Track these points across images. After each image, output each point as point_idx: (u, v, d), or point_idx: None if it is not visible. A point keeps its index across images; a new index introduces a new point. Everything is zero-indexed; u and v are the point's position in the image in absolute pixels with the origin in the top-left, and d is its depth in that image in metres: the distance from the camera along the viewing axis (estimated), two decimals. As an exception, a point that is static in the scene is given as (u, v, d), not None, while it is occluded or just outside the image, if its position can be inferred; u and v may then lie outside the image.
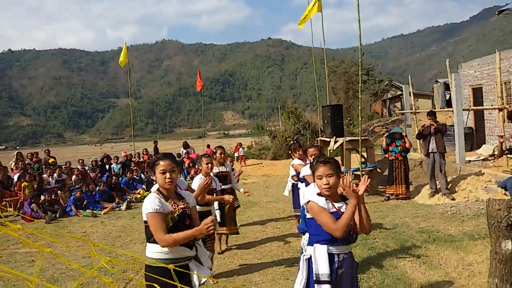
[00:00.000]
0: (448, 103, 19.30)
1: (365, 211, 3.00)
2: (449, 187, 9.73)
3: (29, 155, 14.83)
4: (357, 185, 2.96)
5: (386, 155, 10.34)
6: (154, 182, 4.89)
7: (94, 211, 10.84)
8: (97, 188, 11.96)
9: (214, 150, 6.92)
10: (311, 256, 2.97)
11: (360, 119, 10.04)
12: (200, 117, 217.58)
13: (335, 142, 10.93)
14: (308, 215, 3.03)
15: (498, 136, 8.16)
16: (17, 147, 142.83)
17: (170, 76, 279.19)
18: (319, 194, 3.03)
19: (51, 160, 15.04)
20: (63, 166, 13.75)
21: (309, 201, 3.00)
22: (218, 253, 6.56)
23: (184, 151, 18.57)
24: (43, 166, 13.69)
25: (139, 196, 12.79)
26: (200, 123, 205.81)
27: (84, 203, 11.05)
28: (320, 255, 2.94)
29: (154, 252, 3.07)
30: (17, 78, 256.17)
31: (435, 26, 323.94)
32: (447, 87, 20.56)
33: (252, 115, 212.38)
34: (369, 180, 3.06)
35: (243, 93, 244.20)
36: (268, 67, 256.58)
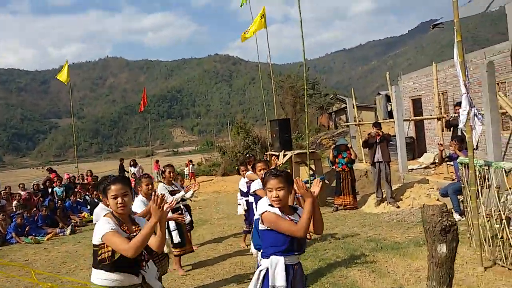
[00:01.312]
0: (390, 114, 20.09)
1: (319, 212, 3.05)
2: (394, 195, 10.05)
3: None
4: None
5: (333, 167, 10.56)
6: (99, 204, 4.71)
7: (37, 237, 10.30)
8: (40, 213, 11.37)
9: (163, 169, 6.77)
10: (267, 269, 2.94)
11: (307, 132, 10.20)
12: (147, 135, 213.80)
13: (284, 155, 11.03)
14: (262, 227, 2.99)
15: (438, 144, 8.55)
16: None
17: (114, 94, 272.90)
18: (271, 205, 3.02)
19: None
20: (2, 192, 12.98)
21: (265, 211, 2.97)
22: (182, 274, 6.42)
23: (133, 169, 18.10)
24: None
25: (84, 220, 12.31)
26: (147, 141, 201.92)
27: (26, 229, 10.47)
28: (278, 266, 2.93)
29: (101, 279, 2.91)
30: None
31: (376, 40, 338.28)
32: (388, 99, 21.42)
33: (202, 131, 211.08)
34: (321, 183, 3.11)
35: (192, 109, 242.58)
36: (216, 83, 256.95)
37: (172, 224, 6.31)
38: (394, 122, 11.87)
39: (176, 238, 6.27)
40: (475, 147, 8.96)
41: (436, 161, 11.27)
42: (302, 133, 30.49)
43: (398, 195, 10.21)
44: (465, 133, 5.38)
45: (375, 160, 9.83)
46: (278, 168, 4.80)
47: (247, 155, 8.47)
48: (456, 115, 9.25)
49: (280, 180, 2.98)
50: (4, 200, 12.32)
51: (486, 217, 5.70)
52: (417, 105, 14.84)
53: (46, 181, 15.06)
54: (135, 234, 2.93)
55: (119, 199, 2.95)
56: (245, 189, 7.56)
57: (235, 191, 16.77)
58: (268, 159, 11.86)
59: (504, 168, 5.11)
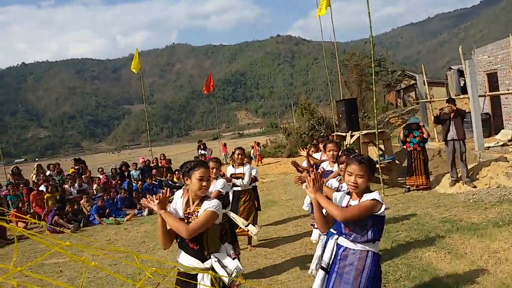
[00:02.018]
0: (463, 90, 19.08)
1: (319, 211, 3.04)
2: (469, 175, 9.64)
3: (51, 166, 15.09)
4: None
5: (404, 146, 10.29)
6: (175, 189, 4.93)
7: (117, 219, 11.01)
8: (119, 195, 12.13)
9: (233, 151, 6.96)
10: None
11: (375, 111, 9.99)
12: (214, 118, 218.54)
13: (351, 136, 10.90)
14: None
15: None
16: (36, 159, 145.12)
17: (182, 79, 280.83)
18: (337, 190, 3.09)
19: (71, 171, 15.28)
20: (83, 176, 13.96)
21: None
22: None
23: (202, 152, 18.69)
24: (64, 177, 13.92)
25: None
26: (214, 125, 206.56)
27: (107, 211, 11.23)
28: (329, 243, 3.13)
29: (178, 258, 3.24)
30: (32, 91, 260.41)
31: (445, 13, 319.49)
32: (461, 73, 20.32)
33: (266, 113, 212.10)
34: (318, 175, 3.05)
35: (255, 92, 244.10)
36: (279, 64, 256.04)
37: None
38: (468, 98, 11.29)
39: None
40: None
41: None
42: (369, 112, 29.80)
43: (474, 174, 9.77)
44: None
45: (449, 138, 9.45)
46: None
47: (323, 135, 8.37)
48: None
49: (363, 168, 2.98)
50: (86, 184, 13.25)
51: None
52: (492, 79, 13.96)
53: (123, 165, 15.97)
54: (192, 216, 3.16)
55: (204, 182, 3.16)
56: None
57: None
58: (336, 139, 11.79)
59: None
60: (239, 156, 6.79)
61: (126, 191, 12.31)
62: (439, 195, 9.28)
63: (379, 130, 10.22)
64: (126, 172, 15.49)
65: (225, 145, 25.72)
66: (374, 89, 9.45)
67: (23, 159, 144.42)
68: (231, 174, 6.75)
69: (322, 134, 12.66)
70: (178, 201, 3.36)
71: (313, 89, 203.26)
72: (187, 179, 3.23)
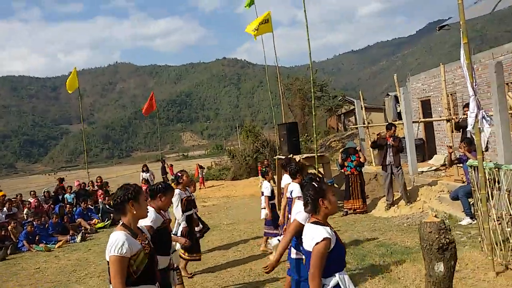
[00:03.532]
0: (399, 115, 19.93)
1: None
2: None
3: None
4: None
5: (342, 170, 10.50)
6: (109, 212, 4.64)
7: (48, 245, 10.39)
8: (50, 220, 11.45)
9: (180, 174, 6.73)
10: (338, 284, 2.92)
11: (315, 135, 10.17)
12: (157, 139, 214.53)
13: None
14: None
15: (447, 146, 8.47)
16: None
17: (124, 99, 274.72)
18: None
19: (0, 194, 14.29)
20: (13, 199, 13.09)
21: (323, 239, 2.87)
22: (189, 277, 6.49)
23: (144, 175, 18.13)
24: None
25: (95, 227, 12.39)
26: (157, 146, 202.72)
27: (37, 237, 10.55)
28: (347, 282, 2.96)
29: None
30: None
31: (384, 41, 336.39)
32: (397, 100, 21.26)
33: (211, 135, 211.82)
34: None
35: (201, 113, 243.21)
36: (225, 86, 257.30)
37: (179, 230, 6.32)
38: (403, 123, 11.77)
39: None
40: (484, 149, 8.88)
41: (446, 163, 11.14)
42: (311, 136, 30.41)
43: (409, 198, 10.12)
44: (473, 136, 5.30)
45: (387, 163, 9.76)
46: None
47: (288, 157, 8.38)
48: (465, 116, 9.12)
49: None
50: (16, 208, 12.42)
51: (497, 221, 5.62)
52: (426, 106, 14.71)
53: (58, 188, 15.19)
54: (147, 242, 2.98)
55: None
56: (268, 193, 7.51)
57: (245, 196, 16.81)
58: (276, 163, 11.86)
59: (514, 171, 5.04)
60: (188, 178, 6.67)
61: (58, 216, 11.64)
62: (375, 218, 9.51)
63: (319, 154, 10.38)
64: (61, 196, 14.75)
65: (171, 166, 25.10)
66: (314, 113, 9.62)
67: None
68: (187, 197, 6.55)
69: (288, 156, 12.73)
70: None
71: (259, 112, 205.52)
72: (135, 203, 2.97)
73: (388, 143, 9.73)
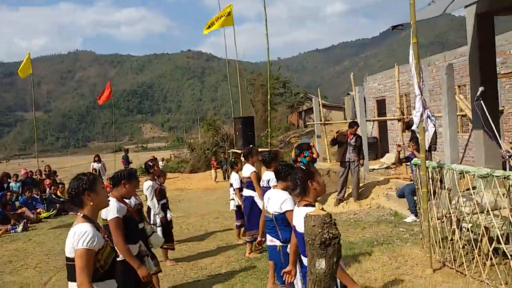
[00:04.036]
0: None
1: None
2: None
3: None
4: None
5: (295, 166, 10.49)
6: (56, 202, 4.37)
7: (-15, 235, 9.86)
8: (-10, 209, 10.90)
9: (151, 164, 6.51)
10: None
11: (269, 130, 10.12)
12: (116, 130, 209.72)
13: (246, 153, 10.89)
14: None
15: (396, 145, 8.61)
16: None
17: (83, 88, 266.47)
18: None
19: None
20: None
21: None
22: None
23: (95, 165, 17.60)
24: None
25: (39, 216, 11.90)
26: (116, 137, 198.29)
27: (-26, 226, 10.01)
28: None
29: None
30: None
31: (348, 42, 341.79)
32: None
33: (172, 127, 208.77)
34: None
35: (163, 105, 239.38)
36: (188, 79, 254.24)
37: (158, 221, 6.37)
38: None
39: (160, 236, 6.04)
40: (433, 148, 9.09)
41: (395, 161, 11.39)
42: (273, 131, 30.54)
43: (359, 195, 10.27)
44: (418, 135, 5.37)
45: (346, 160, 9.82)
46: None
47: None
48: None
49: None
50: (-46, 196, 11.74)
51: (438, 219, 5.73)
52: (381, 106, 15.01)
53: (3, 176, 14.51)
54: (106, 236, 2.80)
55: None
56: (238, 185, 7.35)
57: (198, 189, 16.64)
58: (232, 157, 11.75)
59: (455, 170, 5.13)
60: (158, 168, 6.58)
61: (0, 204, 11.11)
62: (326, 214, 9.57)
63: (273, 149, 10.34)
64: (6, 184, 14.10)
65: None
66: (269, 109, 9.60)
67: None
68: (159, 187, 6.48)
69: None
70: None
71: (222, 106, 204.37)
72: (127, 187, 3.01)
73: (349, 140, 9.79)
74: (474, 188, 5.09)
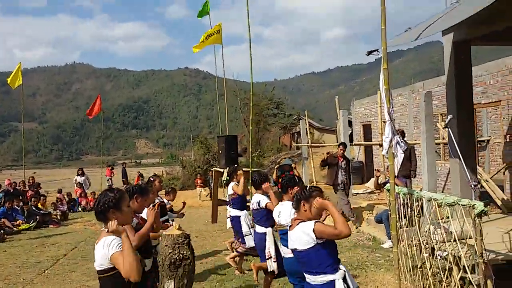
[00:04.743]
0: (351, 138, 20.39)
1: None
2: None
3: None
4: None
5: (277, 187, 10.47)
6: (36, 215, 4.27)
7: (-39, 244, 9.71)
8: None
9: (153, 179, 6.32)
10: (345, 276, 3.17)
11: (250, 150, 10.13)
12: (111, 144, 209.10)
13: (228, 172, 10.87)
14: (316, 241, 3.12)
15: (375, 170, 8.62)
16: None
17: (79, 100, 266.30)
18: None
19: None
20: None
21: (316, 222, 3.15)
22: None
23: (79, 179, 17.50)
24: None
25: (18, 228, 11.76)
26: (109, 151, 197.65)
27: (-51, 235, 9.86)
28: (347, 273, 3.23)
29: None
30: None
31: (344, 66, 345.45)
32: (349, 123, 21.75)
33: (167, 144, 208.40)
34: None
35: (158, 121, 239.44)
36: (185, 96, 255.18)
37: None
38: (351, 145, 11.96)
39: None
40: (412, 175, 9.12)
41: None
42: (264, 151, 30.60)
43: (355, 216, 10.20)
44: (387, 160, 5.39)
45: (339, 182, 9.70)
46: None
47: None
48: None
49: None
50: None
51: (409, 245, 5.72)
52: (367, 130, 15.10)
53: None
54: None
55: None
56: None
57: (188, 207, 16.50)
58: (213, 174, 11.73)
59: (423, 197, 5.14)
60: (160, 184, 6.20)
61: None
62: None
63: (255, 169, 10.35)
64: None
65: (111, 168, 24.20)
66: (251, 128, 9.64)
67: None
68: (160, 203, 6.22)
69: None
70: None
71: (217, 124, 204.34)
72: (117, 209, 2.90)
73: (339, 163, 9.73)
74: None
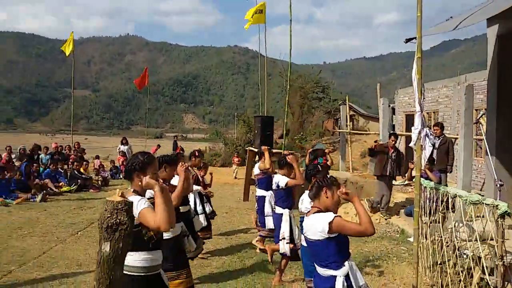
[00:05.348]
0: (393, 127, 19.91)
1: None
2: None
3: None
4: None
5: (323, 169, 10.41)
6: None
7: (6, 200, 10.39)
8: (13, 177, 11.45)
9: (195, 154, 6.69)
10: (348, 273, 3.09)
11: (284, 132, 10.12)
12: (159, 117, 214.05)
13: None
14: (329, 235, 3.06)
15: (409, 162, 8.43)
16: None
17: (131, 71, 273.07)
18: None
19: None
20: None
21: (336, 216, 3.07)
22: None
23: (122, 148, 18.10)
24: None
25: (60, 189, 12.40)
26: (158, 123, 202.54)
27: (-3, 191, 10.56)
28: (354, 268, 3.16)
29: (140, 260, 2.91)
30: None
31: (398, 52, 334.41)
32: (394, 111, 21.22)
33: (213, 120, 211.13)
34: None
35: (205, 97, 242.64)
36: (233, 74, 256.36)
37: (199, 208, 6.41)
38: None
39: (204, 222, 6.35)
40: (448, 170, 8.83)
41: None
42: (307, 135, 30.40)
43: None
44: (415, 152, 5.25)
45: (387, 174, 9.29)
46: None
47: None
48: (434, 134, 9.09)
49: None
50: (-15, 161, 12.40)
51: (432, 241, 5.60)
52: (410, 120, 14.66)
53: (34, 148, 15.16)
54: None
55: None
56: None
57: (217, 183, 16.76)
58: (248, 154, 11.83)
59: (449, 193, 5.00)
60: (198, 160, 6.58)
61: (21, 173, 11.63)
62: (332, 223, 9.47)
63: (289, 152, 10.34)
64: (36, 155, 14.75)
65: (158, 147, 24.65)
66: (286, 109, 9.54)
67: None
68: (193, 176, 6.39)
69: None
70: None
71: (263, 104, 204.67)
72: (141, 174, 2.99)
73: (389, 154, 9.42)
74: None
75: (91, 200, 11.50)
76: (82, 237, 7.62)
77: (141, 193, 2.94)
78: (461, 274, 4.71)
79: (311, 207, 3.34)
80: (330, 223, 3.02)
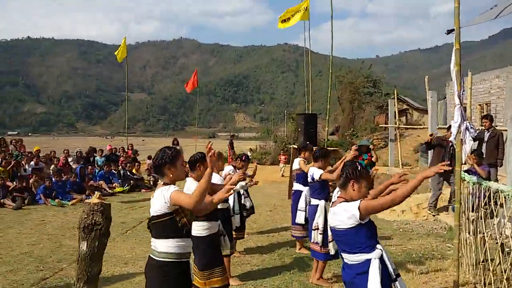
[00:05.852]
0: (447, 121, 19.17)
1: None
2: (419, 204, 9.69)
3: (13, 141, 14.98)
4: None
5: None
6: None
7: (62, 201, 11.01)
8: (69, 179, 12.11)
9: (242, 158, 6.82)
10: (381, 255, 3.07)
11: (327, 128, 10.04)
12: (212, 117, 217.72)
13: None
14: (360, 221, 3.06)
15: (429, 134, 8.25)
16: (29, 134, 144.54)
17: (184, 74, 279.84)
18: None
19: (36, 148, 15.20)
20: (40, 155, 13.88)
21: (361, 200, 3.09)
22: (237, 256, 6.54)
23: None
24: (23, 154, 13.81)
25: (115, 190, 12.97)
26: (210, 123, 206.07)
27: (53, 193, 11.21)
28: (385, 252, 3.11)
29: (174, 247, 3.04)
30: (34, 66, 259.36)
31: (453, 43, 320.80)
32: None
33: (264, 119, 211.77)
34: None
35: (256, 96, 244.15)
36: (283, 72, 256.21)
37: (236, 207, 6.44)
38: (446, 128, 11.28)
39: (237, 222, 6.38)
40: (498, 164, 8.41)
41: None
42: (357, 131, 29.86)
43: (421, 204, 9.81)
44: (455, 146, 5.07)
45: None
46: None
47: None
48: (483, 128, 8.69)
49: None
50: (43, 163, 13.19)
51: (475, 238, 5.39)
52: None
53: (90, 150, 15.93)
54: None
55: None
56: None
57: (266, 181, 16.87)
58: (291, 152, 11.86)
59: (491, 188, 4.79)
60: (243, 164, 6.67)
61: (77, 176, 12.28)
62: (378, 220, 9.29)
63: (333, 148, 10.28)
64: (92, 158, 15.49)
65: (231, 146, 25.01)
66: (328, 106, 9.47)
67: (16, 132, 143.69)
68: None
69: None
70: None
71: (314, 101, 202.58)
72: (171, 167, 3.16)
73: (447, 148, 9.01)
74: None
75: (142, 200, 11.93)
76: (131, 235, 7.97)
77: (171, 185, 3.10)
78: (503, 272, 4.51)
79: (337, 197, 3.33)
80: (359, 208, 3.02)
